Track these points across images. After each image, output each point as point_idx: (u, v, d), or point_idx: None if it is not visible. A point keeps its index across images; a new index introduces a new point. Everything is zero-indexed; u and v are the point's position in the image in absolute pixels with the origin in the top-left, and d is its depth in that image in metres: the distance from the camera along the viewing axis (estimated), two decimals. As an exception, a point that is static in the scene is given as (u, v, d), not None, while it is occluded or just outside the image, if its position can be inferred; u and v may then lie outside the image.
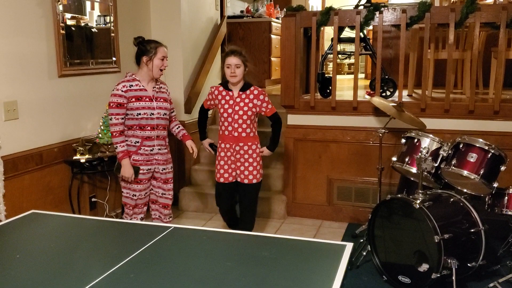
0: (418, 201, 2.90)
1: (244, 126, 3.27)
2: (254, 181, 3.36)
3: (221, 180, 3.37)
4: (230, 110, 3.27)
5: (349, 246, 1.84)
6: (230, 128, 3.29)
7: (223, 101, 3.30)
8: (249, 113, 3.27)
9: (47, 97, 3.40)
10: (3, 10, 3.01)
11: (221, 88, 3.35)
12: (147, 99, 3.13)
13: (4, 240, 1.93)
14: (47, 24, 3.36)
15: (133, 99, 3.09)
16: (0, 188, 2.98)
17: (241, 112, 3.26)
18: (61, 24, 3.46)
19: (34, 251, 1.84)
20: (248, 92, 3.31)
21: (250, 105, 3.27)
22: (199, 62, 5.08)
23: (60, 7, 3.43)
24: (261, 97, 3.31)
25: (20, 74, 3.16)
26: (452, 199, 3.05)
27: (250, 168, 3.34)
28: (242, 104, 3.27)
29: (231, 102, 3.29)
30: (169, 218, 3.40)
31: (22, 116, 3.18)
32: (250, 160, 3.33)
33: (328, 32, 6.78)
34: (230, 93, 3.31)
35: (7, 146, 3.05)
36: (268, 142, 3.43)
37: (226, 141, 3.32)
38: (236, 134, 3.29)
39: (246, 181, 3.35)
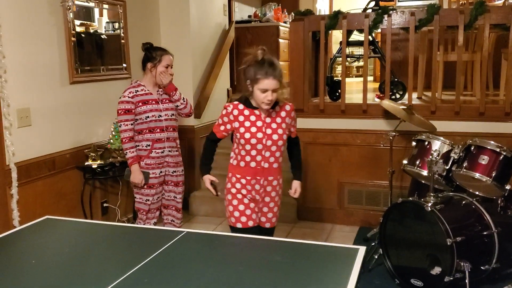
0: (430, 204, 2.89)
1: (278, 154, 2.56)
2: (275, 223, 2.77)
3: (239, 225, 2.61)
4: (260, 135, 2.49)
5: (362, 249, 1.83)
6: (259, 158, 2.53)
7: (247, 123, 2.51)
8: (284, 136, 2.56)
9: (59, 104, 3.44)
10: (17, 20, 3.06)
11: (241, 106, 2.54)
12: (154, 102, 3.17)
13: (20, 246, 1.96)
14: (59, 32, 3.40)
15: (140, 104, 3.13)
16: (14, 194, 3.02)
17: (275, 137, 2.52)
18: (72, 32, 3.50)
19: (49, 256, 1.86)
20: (277, 109, 2.56)
21: (284, 125, 2.56)
22: (208, 67, 5.11)
23: (71, 15, 3.48)
24: (293, 114, 2.63)
25: (32, 82, 3.20)
26: (464, 202, 3.04)
27: (275, 209, 2.71)
28: (274, 125, 2.53)
29: (259, 123, 2.51)
30: (180, 223, 3.42)
31: (34, 123, 3.22)
32: (276, 198, 2.69)
33: (336, 35, 6.79)
34: (256, 112, 2.53)
35: (20, 153, 3.09)
36: (293, 172, 2.80)
37: (251, 175, 2.55)
38: (266, 165, 2.55)
39: (268, 225, 2.71)
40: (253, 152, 2.52)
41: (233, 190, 2.60)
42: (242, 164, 2.56)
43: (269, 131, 2.51)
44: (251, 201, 2.60)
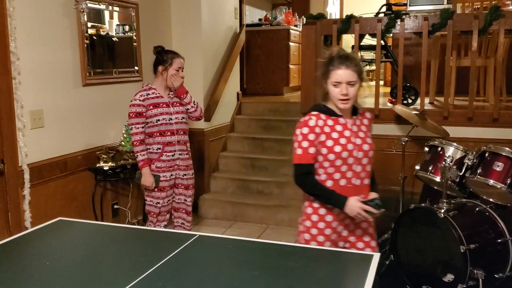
0: (443, 211, 2.86)
1: (368, 168, 2.20)
2: (377, 248, 2.32)
3: None
4: (350, 146, 2.12)
5: (376, 256, 1.82)
6: (349, 174, 2.14)
7: (334, 135, 2.12)
8: (373, 146, 2.22)
9: (71, 106, 3.45)
10: (31, 22, 3.08)
11: (323, 116, 2.14)
12: (164, 105, 3.17)
13: (34, 247, 1.96)
14: (72, 34, 3.42)
15: (151, 107, 3.14)
16: (26, 195, 3.04)
17: (366, 147, 2.17)
18: (85, 34, 3.52)
19: (62, 258, 1.87)
20: (359, 116, 2.23)
21: (370, 134, 2.24)
22: (218, 70, 5.11)
23: (84, 17, 3.49)
24: (371, 123, 2.29)
25: (46, 84, 3.22)
26: (477, 209, 3.00)
27: (366, 238, 2.28)
28: (362, 134, 2.18)
29: (347, 133, 2.14)
30: (191, 225, 3.42)
31: (47, 124, 3.23)
32: (364, 225, 2.28)
33: (346, 38, 6.78)
34: (341, 120, 2.15)
35: (33, 154, 3.10)
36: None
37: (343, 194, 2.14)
38: (357, 182, 2.17)
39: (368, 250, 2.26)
40: (343, 168, 2.13)
41: (326, 216, 2.19)
42: (329, 183, 2.14)
43: (358, 141, 2.15)
44: (341, 227, 2.22)
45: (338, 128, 2.14)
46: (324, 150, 2.11)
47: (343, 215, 2.18)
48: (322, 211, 2.20)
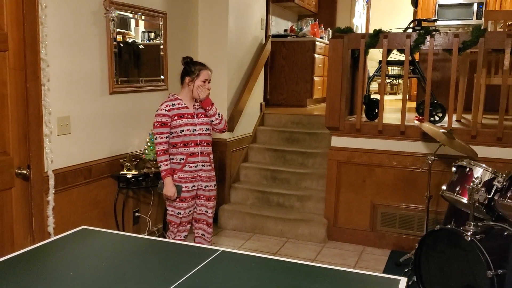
0: (470, 233, 2.79)
1: None
2: None
3: None
4: None
5: (403, 281, 1.77)
6: None
7: None
8: None
9: (98, 114, 3.48)
10: (62, 29, 3.12)
11: None
12: (189, 116, 3.17)
13: (57, 256, 1.96)
14: (101, 42, 3.45)
15: (176, 117, 3.15)
16: (50, 201, 3.06)
17: None
18: (114, 43, 3.55)
19: (86, 269, 1.86)
20: None
21: None
22: (243, 81, 5.11)
23: (113, 25, 3.52)
24: None
25: (74, 91, 3.25)
26: (506, 233, 2.92)
27: None
28: None
29: None
30: (211, 237, 3.40)
31: (74, 131, 3.26)
32: None
33: (371, 52, 6.73)
34: None
35: (59, 160, 3.13)
36: None
37: None
38: None
39: None
40: None
41: None
42: None
43: None
44: None
45: None
46: None
47: None
48: None
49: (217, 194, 3.43)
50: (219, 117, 3.28)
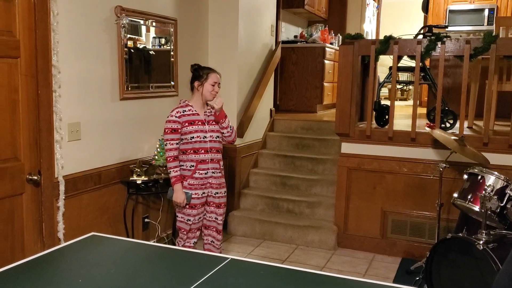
0: (482, 242, 2.75)
1: None
2: None
3: None
4: None
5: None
6: None
7: None
8: None
9: (108, 119, 3.50)
10: (74, 36, 3.14)
11: None
12: (200, 123, 3.17)
13: (67, 263, 1.97)
14: (112, 49, 3.48)
15: (186, 124, 3.15)
16: (60, 206, 3.08)
17: None
18: (125, 50, 3.57)
19: (95, 276, 1.86)
20: None
21: None
22: (253, 87, 5.12)
23: (124, 32, 3.54)
24: None
25: (84, 97, 3.27)
26: (518, 242, 2.88)
27: None
28: None
29: None
30: (220, 244, 3.39)
31: (84, 137, 3.28)
32: None
33: (382, 57, 6.70)
34: None
35: (69, 166, 3.15)
36: None
37: None
38: None
39: None
40: None
41: None
42: None
43: None
44: None
45: None
46: None
47: None
48: None
49: (226, 200, 3.42)
50: (231, 129, 3.30)
